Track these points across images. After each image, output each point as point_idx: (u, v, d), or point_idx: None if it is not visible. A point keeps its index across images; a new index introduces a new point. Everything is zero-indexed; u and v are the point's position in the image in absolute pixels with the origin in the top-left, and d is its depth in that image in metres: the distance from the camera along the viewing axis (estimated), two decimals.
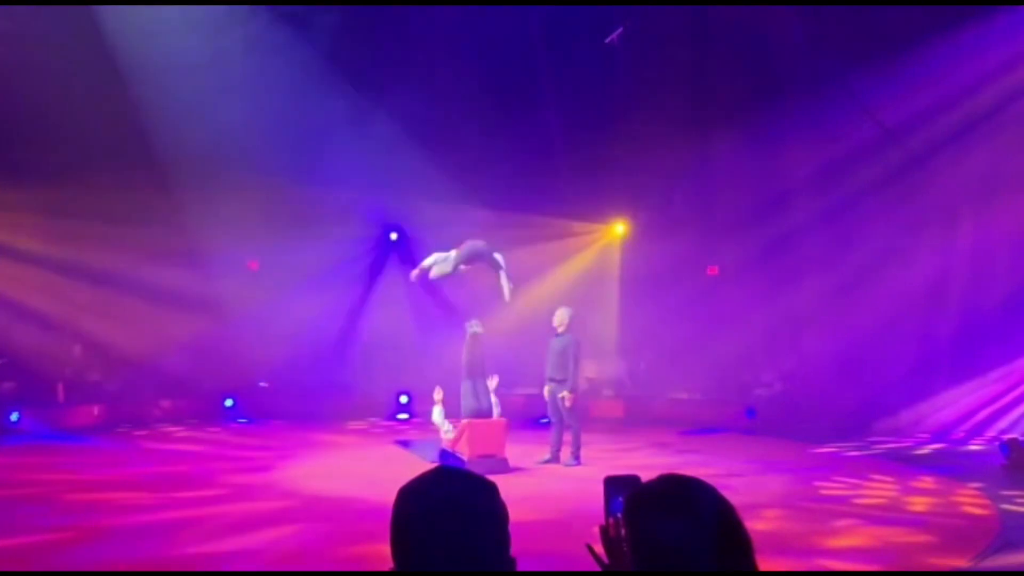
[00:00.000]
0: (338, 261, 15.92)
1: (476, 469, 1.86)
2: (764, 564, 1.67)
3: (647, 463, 10.44)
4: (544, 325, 11.10)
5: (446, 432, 10.45)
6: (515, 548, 1.66)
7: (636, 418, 14.96)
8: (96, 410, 14.02)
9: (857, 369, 13.90)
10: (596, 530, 1.90)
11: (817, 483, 9.63)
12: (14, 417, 12.86)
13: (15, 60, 11.96)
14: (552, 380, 10.59)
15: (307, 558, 6.51)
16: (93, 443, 12.04)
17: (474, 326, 10.52)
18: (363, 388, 15.87)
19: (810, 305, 14.63)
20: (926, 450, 12.11)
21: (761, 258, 15.16)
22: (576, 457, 10.45)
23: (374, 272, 17.05)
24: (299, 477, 9.67)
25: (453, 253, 10.44)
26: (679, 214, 16.31)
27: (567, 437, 10.56)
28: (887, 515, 8.11)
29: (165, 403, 14.84)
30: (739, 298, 15.35)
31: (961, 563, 6.47)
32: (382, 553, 1.64)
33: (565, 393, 10.39)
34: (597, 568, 1.88)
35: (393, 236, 17.13)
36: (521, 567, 1.65)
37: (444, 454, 10.36)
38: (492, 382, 10.45)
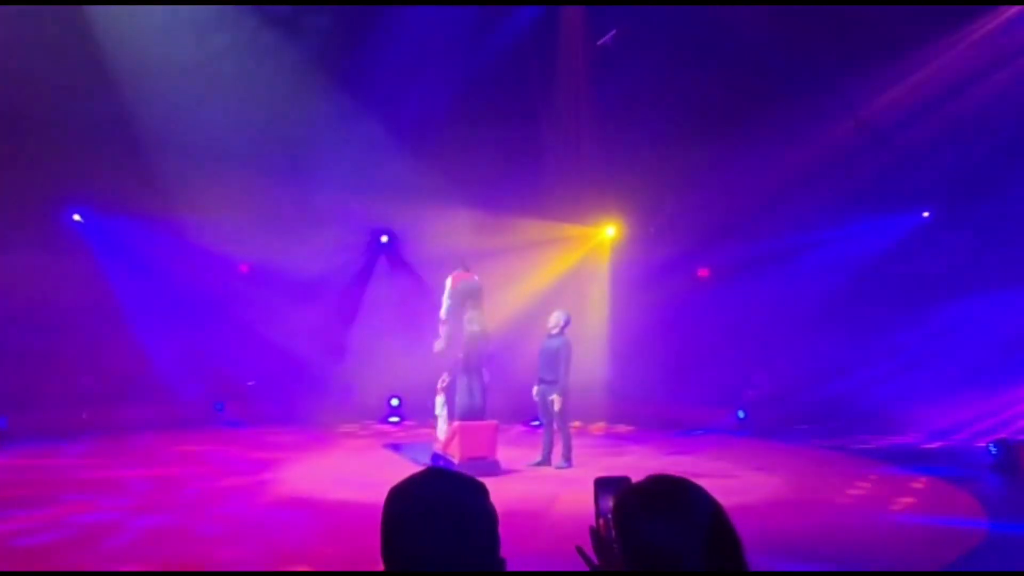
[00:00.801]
0: (328, 263, 15.86)
1: (467, 471, 1.86)
2: (754, 564, 1.67)
3: (637, 465, 10.45)
4: (534, 327, 11.11)
5: (442, 426, 10.44)
6: (506, 549, 1.66)
7: (627, 420, 14.97)
8: (85, 413, 13.95)
9: (847, 370, 13.94)
10: (587, 531, 1.91)
11: (807, 483, 9.67)
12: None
13: (1, 61, 11.90)
14: (543, 382, 10.58)
15: (298, 561, 6.49)
16: (82, 446, 11.97)
17: (472, 323, 10.47)
18: (354, 391, 15.84)
19: (800, 305, 14.68)
20: (915, 450, 12.17)
21: (751, 260, 15.20)
22: (567, 459, 10.46)
23: (365, 274, 17.03)
24: (289, 480, 9.64)
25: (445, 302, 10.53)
26: (670, 216, 16.34)
27: (558, 439, 10.57)
28: (877, 515, 8.14)
29: (155, 407, 14.77)
30: (729, 299, 15.39)
31: (948, 562, 6.49)
32: (373, 555, 1.65)
33: (555, 396, 10.40)
34: (588, 569, 1.88)
35: (384, 239, 17.11)
36: (512, 568, 1.66)
37: (435, 457, 10.35)
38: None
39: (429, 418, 11.43)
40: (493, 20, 14.12)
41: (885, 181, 14.00)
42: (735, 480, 9.50)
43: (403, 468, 9.40)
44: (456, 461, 9.73)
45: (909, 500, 8.85)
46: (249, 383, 15.79)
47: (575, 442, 10.80)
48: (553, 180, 15.91)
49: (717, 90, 14.47)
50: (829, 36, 12.81)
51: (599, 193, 16.10)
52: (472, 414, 10.13)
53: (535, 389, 10.69)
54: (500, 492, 1.82)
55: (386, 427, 14.90)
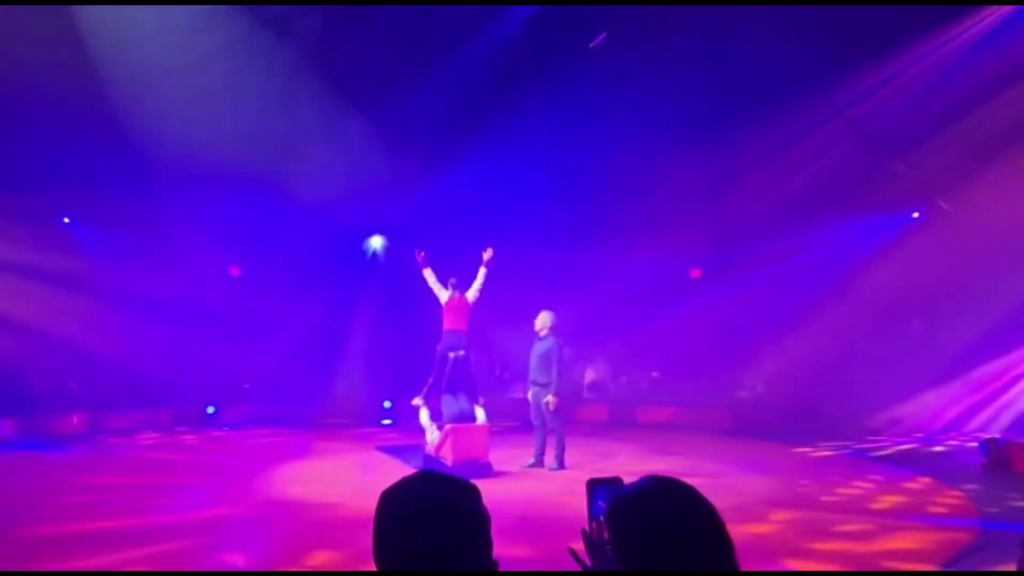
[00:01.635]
0: (320, 266, 15.84)
1: (460, 474, 1.86)
2: (746, 565, 1.67)
3: (631, 466, 10.45)
4: (525, 329, 11.11)
5: (432, 435, 10.43)
6: (499, 551, 1.66)
7: (619, 421, 14.98)
8: (76, 418, 13.89)
9: (838, 370, 14.00)
10: (580, 533, 1.90)
11: (799, 484, 9.68)
12: None
13: None
14: (535, 384, 10.59)
15: (290, 562, 6.47)
16: (73, 451, 11.92)
17: (456, 351, 10.47)
18: (347, 394, 15.82)
19: (792, 307, 14.73)
20: (906, 450, 12.21)
21: (744, 261, 15.25)
22: (560, 461, 10.46)
23: (358, 278, 17.01)
24: (281, 483, 9.62)
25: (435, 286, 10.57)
26: (662, 217, 16.36)
27: (551, 441, 10.57)
28: (868, 515, 8.16)
29: (146, 410, 14.72)
30: (721, 300, 15.43)
31: (940, 562, 6.52)
32: (365, 557, 1.64)
33: (549, 397, 10.40)
34: (580, 571, 1.88)
35: (377, 239, 17.09)
36: (504, 570, 1.66)
37: (428, 459, 10.33)
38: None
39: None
40: (484, 21, 14.13)
41: (874, 184, 14.06)
42: (727, 481, 9.51)
43: (396, 470, 9.38)
44: (449, 464, 9.72)
45: (901, 499, 8.87)
46: (244, 386, 15.75)
47: (567, 443, 10.80)
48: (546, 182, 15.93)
49: (709, 91, 14.50)
50: (821, 38, 12.86)
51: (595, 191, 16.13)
52: (462, 420, 10.14)
53: (529, 392, 10.69)
54: (493, 494, 1.82)
55: (379, 429, 14.87)
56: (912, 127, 13.13)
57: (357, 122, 14.36)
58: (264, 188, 14.67)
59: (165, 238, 14.95)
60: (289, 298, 15.35)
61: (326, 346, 16.18)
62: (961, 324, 13.14)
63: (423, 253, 10.69)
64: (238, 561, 6.43)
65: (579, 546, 1.92)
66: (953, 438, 12.79)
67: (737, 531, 1.67)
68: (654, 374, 16.40)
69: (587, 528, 1.89)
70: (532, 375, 10.65)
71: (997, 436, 11.15)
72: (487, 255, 10.65)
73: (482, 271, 10.62)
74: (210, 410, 15.13)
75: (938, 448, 12.35)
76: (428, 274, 10.64)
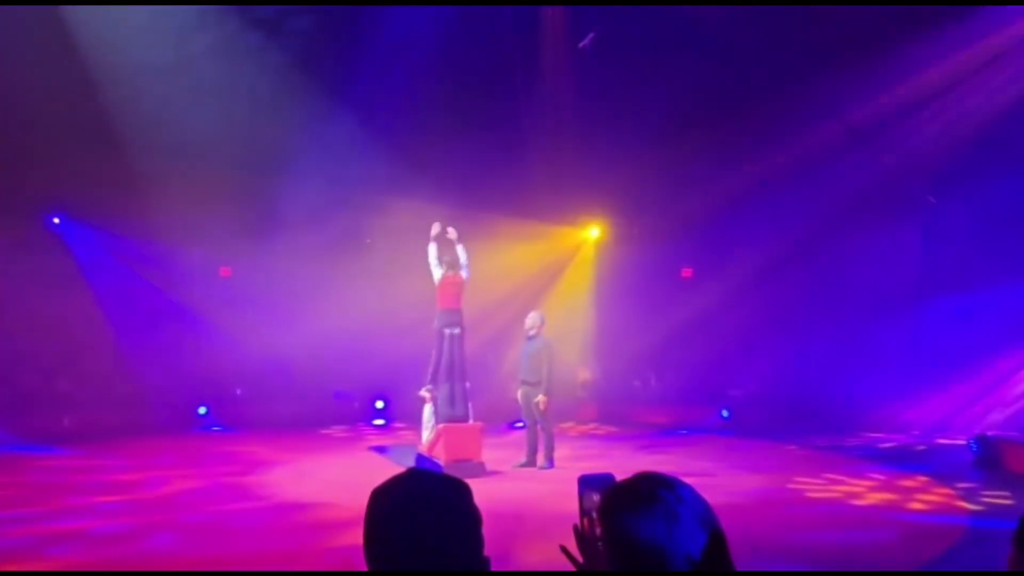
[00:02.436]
0: (311, 266, 15.78)
1: (453, 473, 1.86)
2: (738, 561, 1.67)
3: (622, 465, 10.46)
4: (517, 328, 11.12)
5: (426, 433, 10.44)
6: (491, 549, 1.66)
7: (611, 420, 14.99)
8: (66, 419, 13.81)
9: (831, 368, 14.04)
10: (571, 530, 1.90)
11: (790, 482, 9.71)
12: None
13: None
14: (526, 383, 10.59)
15: (283, 561, 6.46)
16: (63, 452, 11.86)
17: (452, 328, 10.48)
18: (338, 393, 15.77)
19: (784, 305, 14.77)
20: (898, 447, 12.26)
21: (735, 260, 15.27)
22: (550, 460, 10.47)
23: (347, 276, 16.94)
24: (273, 483, 9.60)
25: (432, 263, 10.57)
26: (653, 217, 16.39)
27: (542, 440, 10.58)
28: (859, 512, 8.20)
29: (137, 412, 14.64)
30: (713, 299, 15.46)
31: (930, 558, 6.54)
32: (357, 556, 1.64)
33: (540, 397, 10.40)
34: (573, 569, 1.88)
35: (368, 241, 17.05)
36: (497, 568, 1.65)
37: (420, 459, 10.32)
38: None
39: (415, 422, 11.41)
40: (477, 20, 14.11)
41: (870, 183, 14.09)
42: (719, 479, 9.52)
43: (388, 470, 9.35)
44: (441, 463, 9.72)
45: (892, 497, 8.91)
46: (237, 391, 15.70)
47: (558, 443, 10.82)
48: (537, 181, 15.92)
49: (700, 92, 14.53)
50: (814, 37, 12.90)
51: (583, 194, 16.12)
52: (454, 422, 10.15)
53: (519, 392, 10.70)
54: (485, 493, 1.82)
55: (371, 429, 14.85)
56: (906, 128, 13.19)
57: (347, 122, 14.32)
58: (254, 188, 14.63)
59: (155, 238, 14.88)
60: (280, 298, 15.29)
61: (318, 345, 16.11)
62: (954, 320, 13.17)
63: (438, 226, 10.65)
64: (231, 559, 6.41)
65: (571, 543, 1.91)
66: (945, 435, 12.84)
67: (729, 529, 1.67)
68: (648, 375, 16.41)
69: (578, 524, 1.89)
70: (523, 375, 10.65)
71: (988, 433, 11.19)
72: (452, 235, 10.67)
73: (459, 249, 10.66)
74: (202, 411, 15.08)
75: (930, 445, 12.40)
76: (431, 249, 10.59)
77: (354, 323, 15.19)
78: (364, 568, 1.60)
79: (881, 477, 10.02)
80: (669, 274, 16.34)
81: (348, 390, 15.64)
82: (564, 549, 1.90)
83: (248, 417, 14.60)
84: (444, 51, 14.30)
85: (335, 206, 15.31)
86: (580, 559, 1.86)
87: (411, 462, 10.35)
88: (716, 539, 1.64)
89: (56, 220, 15.17)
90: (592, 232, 17.43)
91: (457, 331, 10.48)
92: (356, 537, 1.63)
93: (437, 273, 10.55)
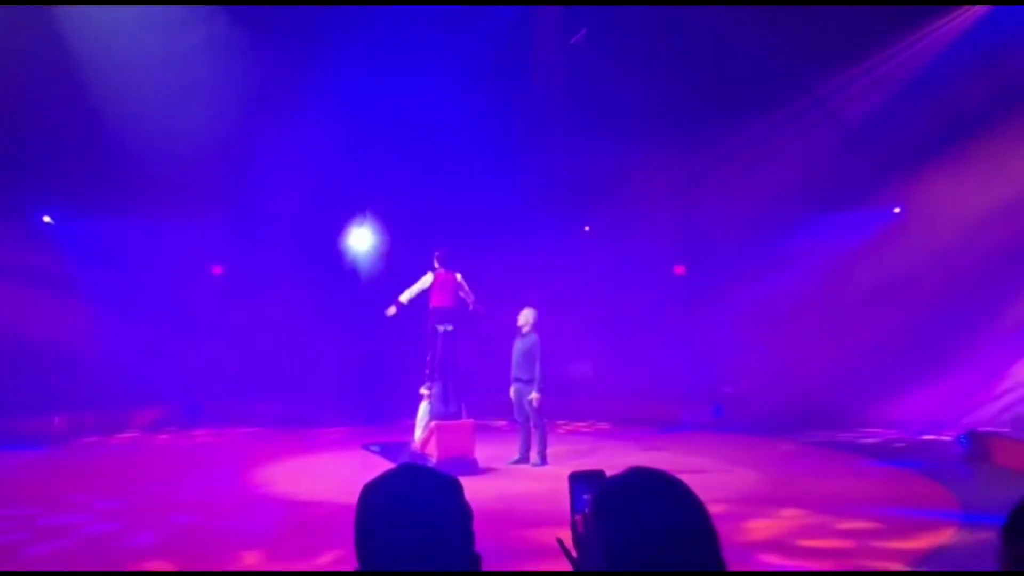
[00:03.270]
0: (303, 264, 15.74)
1: (446, 470, 1.86)
2: (729, 557, 1.67)
3: (614, 461, 10.44)
4: (510, 326, 11.11)
5: (420, 431, 10.44)
6: (482, 546, 1.66)
7: (604, 417, 15.00)
8: (57, 419, 13.75)
9: (823, 364, 14.07)
10: (567, 527, 1.90)
11: (782, 477, 9.75)
12: None
13: None
14: (518, 380, 10.60)
15: (276, 559, 6.45)
16: (55, 452, 11.82)
17: (445, 325, 10.47)
18: (332, 392, 15.74)
19: (776, 302, 14.79)
20: (888, 443, 12.31)
21: (728, 256, 15.28)
22: (542, 457, 10.48)
23: (340, 275, 16.91)
24: (266, 482, 9.59)
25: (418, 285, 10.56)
26: (646, 214, 16.40)
27: (534, 437, 10.58)
28: (850, 507, 8.23)
29: (130, 410, 14.60)
30: (705, 296, 15.48)
31: (922, 554, 6.57)
32: (349, 553, 1.64)
33: (534, 394, 10.41)
34: (567, 565, 1.88)
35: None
36: (489, 566, 1.65)
37: (413, 456, 10.32)
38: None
39: (409, 418, 11.40)
40: (469, 18, 14.10)
41: (857, 179, 14.12)
42: (711, 475, 9.53)
43: (380, 467, 9.35)
44: (434, 460, 9.72)
45: (884, 492, 8.95)
46: (232, 376, 15.61)
47: (551, 439, 10.82)
48: (531, 177, 15.93)
49: (693, 90, 14.57)
50: (803, 33, 12.93)
51: (577, 190, 16.12)
52: (447, 419, 10.15)
53: (512, 389, 10.70)
54: (478, 490, 1.82)
55: (365, 427, 14.82)
56: (891, 119, 13.22)
57: (337, 119, 14.30)
58: (245, 186, 14.59)
59: (147, 236, 14.81)
60: (273, 295, 15.23)
61: (313, 344, 16.08)
62: (947, 317, 13.21)
63: (439, 256, 10.65)
64: (224, 559, 6.40)
65: (564, 538, 1.91)
66: (936, 431, 12.90)
67: (721, 525, 1.67)
68: (642, 372, 16.41)
69: (574, 520, 1.89)
70: (515, 372, 10.65)
71: (978, 429, 11.25)
72: (459, 278, 10.73)
73: (463, 283, 10.70)
74: (194, 409, 15.03)
75: (920, 440, 12.45)
76: (427, 277, 10.59)
77: (347, 320, 15.18)
78: (355, 565, 1.60)
79: (872, 472, 10.06)
80: (662, 271, 16.35)
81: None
82: (560, 542, 1.91)
83: (241, 416, 14.56)
84: (434, 47, 14.30)
85: (326, 201, 15.29)
86: (575, 555, 1.86)
87: (404, 460, 10.37)
88: (708, 535, 1.64)
89: (47, 219, 15.09)
90: (586, 229, 17.41)
91: (450, 328, 10.49)
92: (347, 534, 1.63)
93: (427, 279, 10.54)
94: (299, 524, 7.63)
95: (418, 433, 10.61)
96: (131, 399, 14.71)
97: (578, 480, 1.90)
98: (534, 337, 10.62)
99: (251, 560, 6.47)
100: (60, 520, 7.72)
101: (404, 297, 10.60)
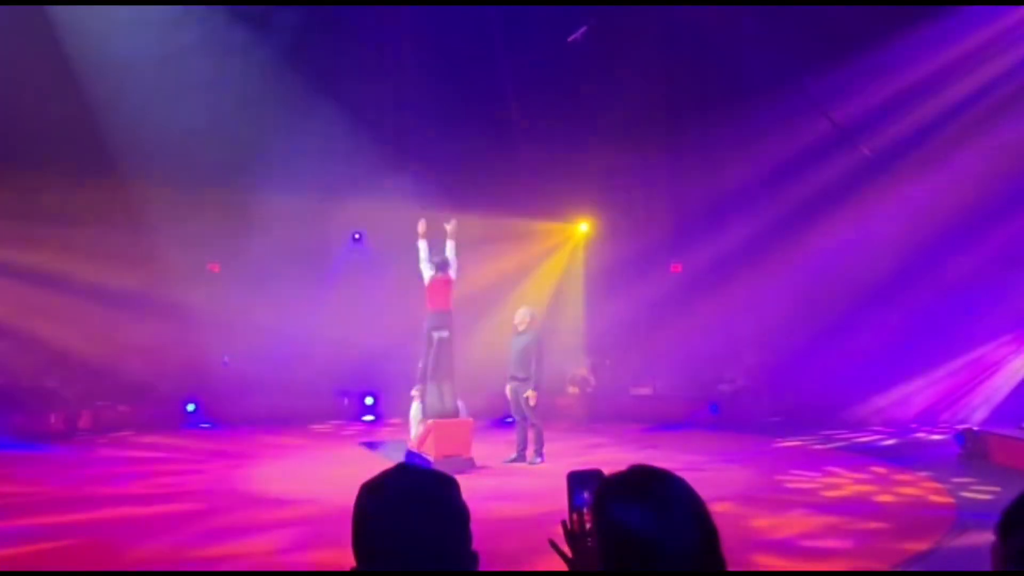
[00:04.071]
0: (300, 262, 15.71)
1: (443, 469, 1.86)
2: (728, 555, 1.68)
3: (611, 459, 10.45)
4: (507, 324, 11.12)
5: (415, 430, 10.44)
6: (480, 545, 1.66)
7: (600, 415, 15.01)
8: (53, 417, 13.72)
9: (819, 363, 14.07)
10: (560, 526, 1.90)
11: (779, 476, 9.75)
12: None
13: None
14: (515, 379, 10.60)
15: (272, 558, 6.45)
16: (51, 451, 11.80)
17: (440, 332, 10.45)
18: (328, 390, 15.73)
19: (772, 301, 14.80)
20: (885, 442, 12.33)
21: (724, 255, 15.29)
22: (540, 455, 10.48)
23: (337, 273, 16.89)
24: (263, 480, 9.58)
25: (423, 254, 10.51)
26: (643, 212, 16.40)
27: (531, 435, 10.59)
28: (847, 506, 8.25)
29: (125, 408, 14.57)
30: (702, 295, 15.48)
31: (918, 551, 6.59)
32: (346, 552, 1.64)
33: (530, 392, 10.41)
34: (564, 564, 1.88)
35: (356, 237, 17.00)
36: (488, 565, 1.65)
37: (410, 455, 10.32)
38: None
39: (405, 417, 11.40)
40: (466, 16, 14.08)
41: (850, 178, 14.13)
42: (708, 473, 9.55)
43: (378, 466, 9.35)
44: (431, 459, 9.72)
45: (880, 490, 8.96)
46: (224, 360, 15.55)
47: (547, 438, 10.83)
48: (526, 177, 15.90)
49: (692, 88, 14.58)
50: (799, 33, 12.93)
51: (573, 189, 16.11)
52: (443, 417, 10.14)
53: (508, 387, 10.70)
54: (475, 488, 1.82)
55: (361, 425, 14.83)
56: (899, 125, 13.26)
57: (334, 117, 14.25)
58: (242, 183, 14.55)
59: (143, 232, 14.78)
60: (269, 294, 15.19)
61: (307, 342, 16.05)
62: (941, 314, 13.22)
63: (424, 223, 10.60)
64: (219, 557, 6.40)
65: (561, 539, 1.91)
66: (932, 428, 12.92)
67: (720, 522, 1.67)
68: (637, 370, 16.41)
69: (566, 520, 1.89)
70: (511, 370, 10.65)
71: (974, 427, 11.26)
72: (450, 226, 10.62)
73: (450, 244, 10.60)
74: (190, 407, 15.01)
75: (916, 438, 12.47)
76: (422, 246, 10.53)
77: (343, 318, 15.15)
78: (353, 564, 1.60)
79: (868, 471, 10.08)
80: (658, 269, 16.35)
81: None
82: (553, 544, 1.91)
83: (237, 413, 14.53)
84: (433, 48, 14.28)
85: (322, 201, 15.27)
86: (569, 554, 1.87)
87: (400, 458, 10.37)
88: (708, 533, 1.64)
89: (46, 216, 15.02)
90: (581, 227, 17.41)
91: (446, 334, 10.42)
92: (345, 533, 1.63)
93: (427, 273, 10.52)
94: (296, 523, 7.63)
95: (412, 432, 10.59)
96: (127, 397, 14.69)
97: (576, 479, 1.90)
98: (531, 335, 10.62)
99: (249, 560, 6.46)
100: (53, 517, 7.70)
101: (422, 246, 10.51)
